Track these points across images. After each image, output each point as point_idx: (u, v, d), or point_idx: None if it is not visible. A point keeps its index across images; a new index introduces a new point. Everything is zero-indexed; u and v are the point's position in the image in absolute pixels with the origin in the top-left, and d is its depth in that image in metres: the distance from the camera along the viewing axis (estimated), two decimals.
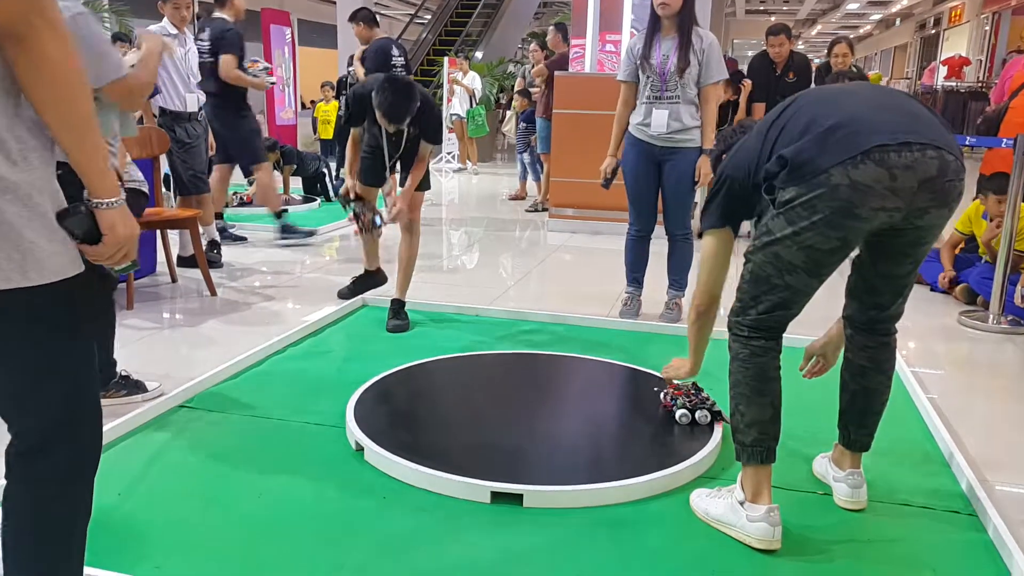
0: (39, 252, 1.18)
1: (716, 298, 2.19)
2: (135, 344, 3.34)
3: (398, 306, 3.65)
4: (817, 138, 1.73)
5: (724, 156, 2.23)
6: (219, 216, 5.44)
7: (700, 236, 2.35)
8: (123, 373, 2.79)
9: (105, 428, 1.43)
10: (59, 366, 1.27)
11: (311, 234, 5.70)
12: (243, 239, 5.60)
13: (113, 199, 1.24)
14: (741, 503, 1.93)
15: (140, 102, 2.69)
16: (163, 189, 4.63)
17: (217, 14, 5.09)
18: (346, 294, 3.88)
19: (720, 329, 2.10)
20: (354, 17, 6.10)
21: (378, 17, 6.37)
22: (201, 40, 4.96)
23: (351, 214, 3.45)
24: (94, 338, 1.33)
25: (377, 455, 2.25)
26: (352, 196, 3.50)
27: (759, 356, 1.90)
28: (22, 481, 1.29)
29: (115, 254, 1.27)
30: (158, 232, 4.35)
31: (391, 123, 3.26)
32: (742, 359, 1.91)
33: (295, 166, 7.26)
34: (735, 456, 1.97)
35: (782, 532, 1.90)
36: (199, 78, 4.79)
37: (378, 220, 3.47)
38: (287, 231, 5.62)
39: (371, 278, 3.88)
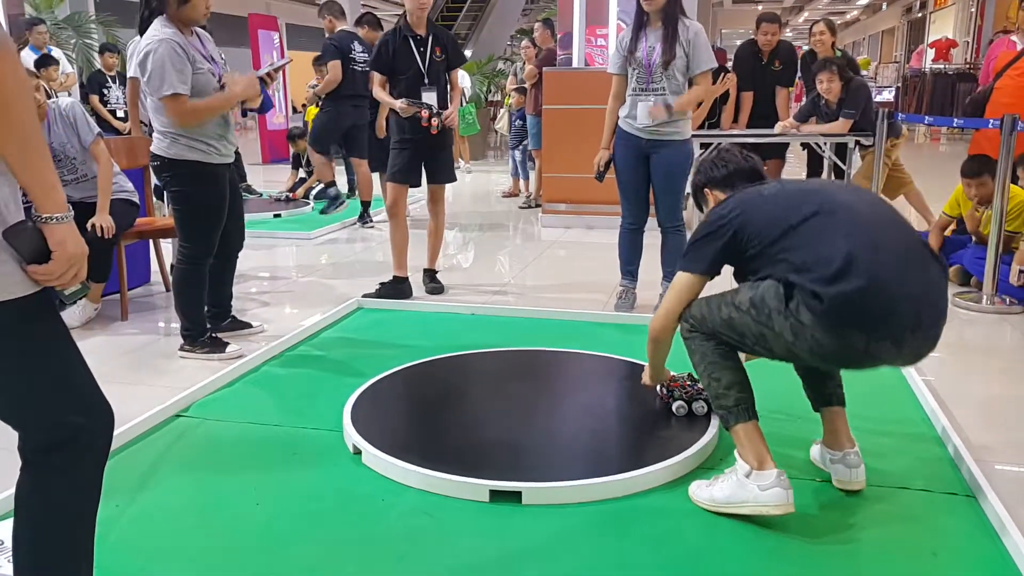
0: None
1: (674, 328, 2.20)
2: (130, 354, 3.34)
3: (431, 274, 4.28)
4: (849, 298, 1.77)
5: (707, 190, 2.25)
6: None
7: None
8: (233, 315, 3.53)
9: None
10: (41, 375, 1.29)
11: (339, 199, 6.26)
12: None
13: (61, 214, 1.24)
14: (747, 475, 1.94)
15: (184, 122, 3.03)
16: (154, 199, 4.62)
17: (352, 29, 5.98)
18: (372, 296, 4.09)
19: None
20: (360, 21, 6.38)
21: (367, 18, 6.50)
22: (360, 52, 5.81)
23: (425, 111, 3.87)
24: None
25: (375, 457, 2.25)
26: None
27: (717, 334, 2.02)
28: (30, 477, 1.34)
29: (66, 272, 1.26)
30: (151, 241, 4.34)
31: None
32: (703, 334, 2.02)
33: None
34: (723, 425, 2.02)
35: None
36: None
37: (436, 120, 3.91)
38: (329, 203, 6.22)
39: (399, 287, 4.13)
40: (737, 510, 1.96)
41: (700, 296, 2.09)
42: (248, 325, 3.58)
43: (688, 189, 3.67)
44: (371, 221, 6.25)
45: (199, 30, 3.16)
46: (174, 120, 2.99)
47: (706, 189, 2.27)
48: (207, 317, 3.34)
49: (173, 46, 2.92)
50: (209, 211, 3.17)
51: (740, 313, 1.94)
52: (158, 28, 2.96)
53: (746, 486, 1.95)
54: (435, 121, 3.86)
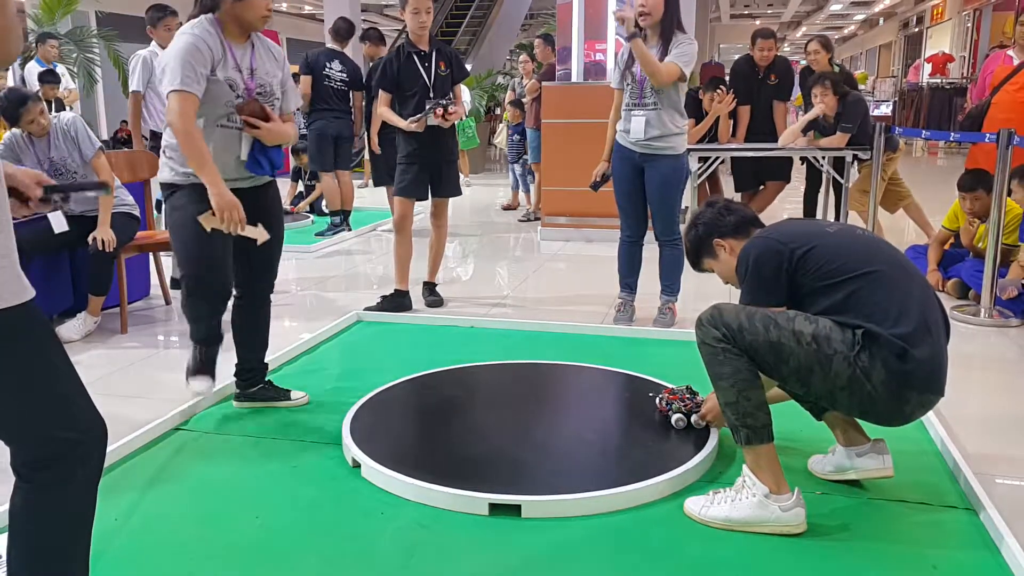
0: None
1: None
2: (130, 367, 3.34)
3: (431, 287, 4.31)
4: (934, 362, 1.88)
5: (718, 240, 2.21)
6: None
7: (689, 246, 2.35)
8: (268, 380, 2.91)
9: None
10: (32, 389, 1.29)
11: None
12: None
13: None
14: (766, 496, 1.95)
15: (178, 123, 2.48)
16: (155, 212, 4.64)
17: (335, 46, 6.18)
18: (374, 309, 4.11)
19: (687, 330, 2.07)
20: (364, 36, 6.57)
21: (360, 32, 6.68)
22: (337, 71, 6.08)
23: (439, 109, 3.89)
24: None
25: (374, 471, 2.25)
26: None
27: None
28: (23, 492, 1.34)
29: None
30: (151, 255, 4.35)
31: None
32: (736, 349, 1.94)
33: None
34: (742, 443, 1.97)
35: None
36: None
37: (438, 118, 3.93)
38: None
39: (400, 300, 4.16)
40: (756, 530, 1.96)
41: (735, 305, 2.00)
42: (286, 396, 2.89)
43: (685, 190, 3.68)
44: (347, 227, 6.43)
45: (263, 41, 2.65)
46: (171, 118, 2.44)
47: (715, 240, 2.21)
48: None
49: (194, 40, 2.44)
50: (183, 232, 2.59)
51: (795, 343, 1.89)
52: (191, 23, 2.51)
53: (767, 507, 1.95)
54: (440, 111, 3.86)
